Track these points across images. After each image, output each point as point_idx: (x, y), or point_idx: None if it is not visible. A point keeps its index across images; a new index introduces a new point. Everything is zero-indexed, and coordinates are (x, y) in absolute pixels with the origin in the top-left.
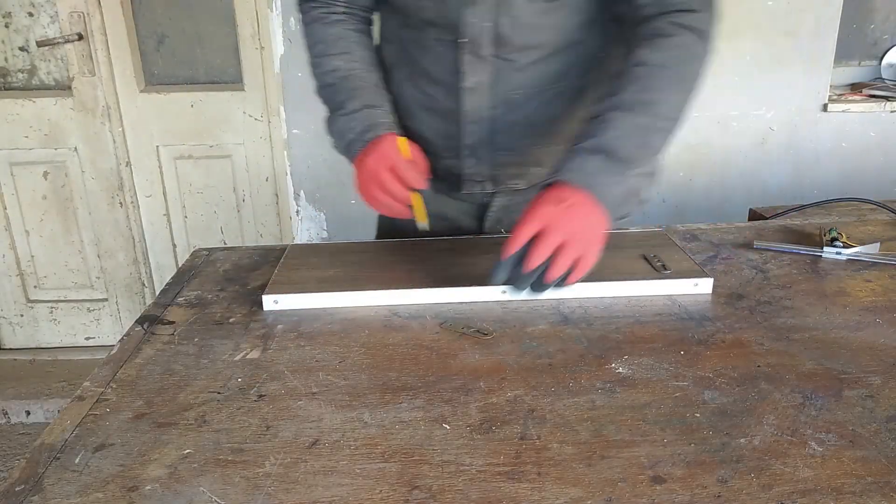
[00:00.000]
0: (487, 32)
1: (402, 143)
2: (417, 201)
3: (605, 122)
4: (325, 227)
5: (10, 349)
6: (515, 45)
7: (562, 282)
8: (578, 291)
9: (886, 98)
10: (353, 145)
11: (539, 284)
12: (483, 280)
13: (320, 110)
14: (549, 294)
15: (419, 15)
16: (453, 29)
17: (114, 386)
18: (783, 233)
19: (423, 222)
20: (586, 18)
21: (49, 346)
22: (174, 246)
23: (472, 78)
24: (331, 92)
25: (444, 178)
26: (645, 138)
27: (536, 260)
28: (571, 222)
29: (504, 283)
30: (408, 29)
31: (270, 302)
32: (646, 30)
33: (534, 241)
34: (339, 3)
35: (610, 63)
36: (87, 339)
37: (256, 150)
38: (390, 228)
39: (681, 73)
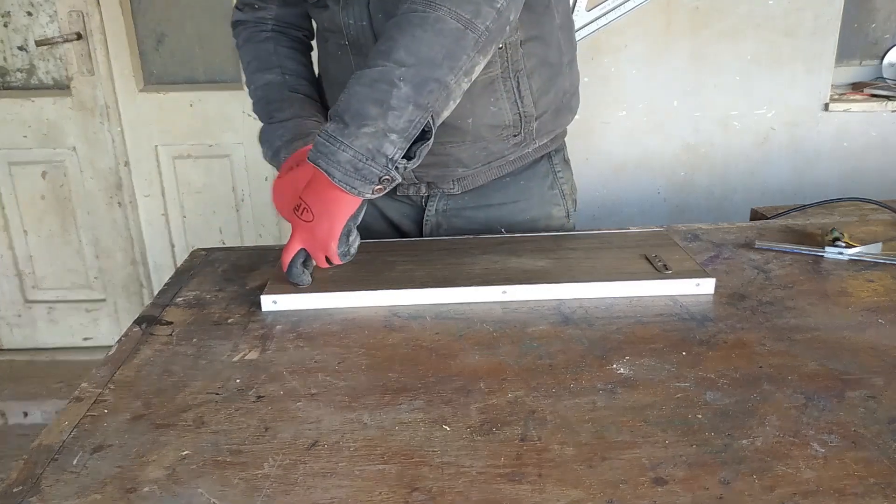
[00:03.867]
0: (366, 31)
1: None
2: None
3: (346, 87)
4: None
5: (8, 350)
6: None
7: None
8: (579, 292)
9: (888, 97)
10: (280, 152)
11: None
12: (483, 280)
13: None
14: (549, 293)
15: (323, 25)
16: (342, 33)
17: (112, 387)
18: (785, 233)
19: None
20: None
21: (47, 346)
22: (172, 246)
23: None
24: (262, 104)
25: None
26: (376, 92)
27: (287, 263)
28: (307, 234)
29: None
30: (321, 40)
31: (269, 302)
32: None
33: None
34: (267, 22)
35: (516, 54)
36: (86, 339)
37: (256, 149)
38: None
39: (422, 18)
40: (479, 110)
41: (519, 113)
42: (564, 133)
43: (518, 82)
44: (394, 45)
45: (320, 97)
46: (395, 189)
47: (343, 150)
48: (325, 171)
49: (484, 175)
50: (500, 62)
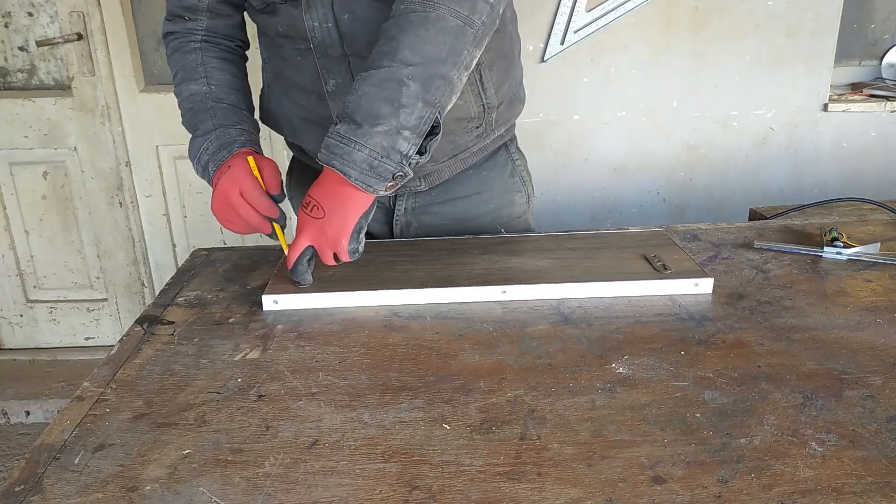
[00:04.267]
0: (332, 33)
1: (252, 164)
2: (277, 229)
3: (354, 88)
4: None
5: (10, 349)
6: (364, 42)
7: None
8: (579, 291)
9: (887, 98)
10: (208, 166)
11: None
12: (483, 280)
13: None
14: (549, 293)
15: (276, 31)
16: (304, 37)
17: (113, 386)
18: (784, 233)
19: (285, 249)
20: None
21: (49, 346)
22: (174, 246)
23: (331, 81)
24: (189, 116)
25: None
26: (385, 91)
27: (293, 260)
28: (317, 231)
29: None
30: (272, 46)
31: (270, 302)
32: None
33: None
34: (197, 32)
35: None
36: (87, 339)
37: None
38: None
39: (423, 17)
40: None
41: (482, 104)
42: (514, 125)
43: (481, 75)
44: (398, 45)
45: (265, 105)
46: None
47: (358, 150)
48: (341, 171)
49: (449, 169)
50: None
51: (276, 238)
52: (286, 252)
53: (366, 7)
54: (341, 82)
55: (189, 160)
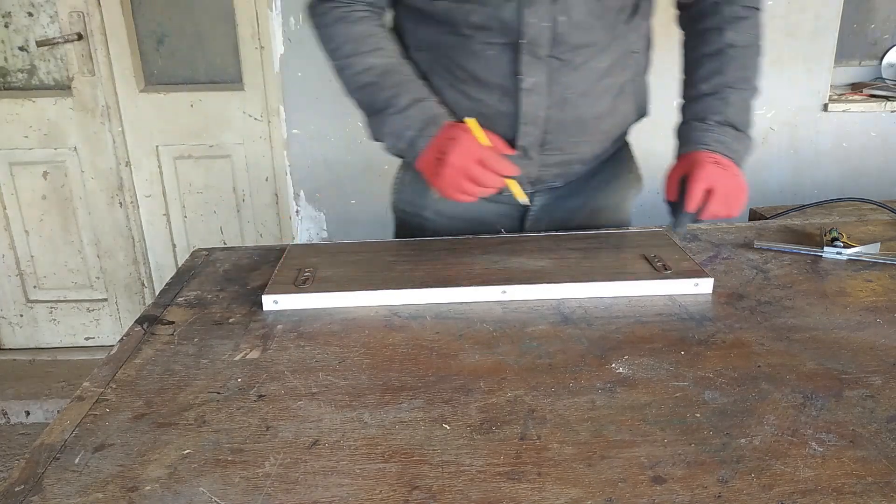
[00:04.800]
0: (546, 32)
1: (477, 129)
2: (512, 184)
3: (724, 100)
4: (325, 227)
5: (10, 349)
6: (570, 45)
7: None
8: (579, 291)
9: (887, 98)
10: (416, 143)
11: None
12: (483, 280)
13: (320, 110)
14: (549, 293)
15: (466, 21)
16: (510, 31)
17: (113, 386)
18: (784, 233)
19: (524, 199)
20: (629, 15)
21: (49, 346)
22: (174, 246)
23: (529, 79)
24: (371, 92)
25: None
26: (749, 108)
27: (706, 216)
28: (730, 182)
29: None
30: (450, 35)
31: (270, 302)
32: (727, 12)
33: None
34: (360, 2)
35: (641, 59)
36: (87, 339)
37: (256, 149)
38: (408, 231)
39: (757, 49)
40: (616, 110)
41: (638, 111)
42: None
43: (642, 83)
44: (750, 73)
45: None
46: (499, 191)
47: (745, 150)
48: (735, 161)
49: (588, 166)
50: (633, 66)
51: (510, 192)
52: (523, 199)
53: (582, 13)
54: (538, 81)
55: (381, 139)
